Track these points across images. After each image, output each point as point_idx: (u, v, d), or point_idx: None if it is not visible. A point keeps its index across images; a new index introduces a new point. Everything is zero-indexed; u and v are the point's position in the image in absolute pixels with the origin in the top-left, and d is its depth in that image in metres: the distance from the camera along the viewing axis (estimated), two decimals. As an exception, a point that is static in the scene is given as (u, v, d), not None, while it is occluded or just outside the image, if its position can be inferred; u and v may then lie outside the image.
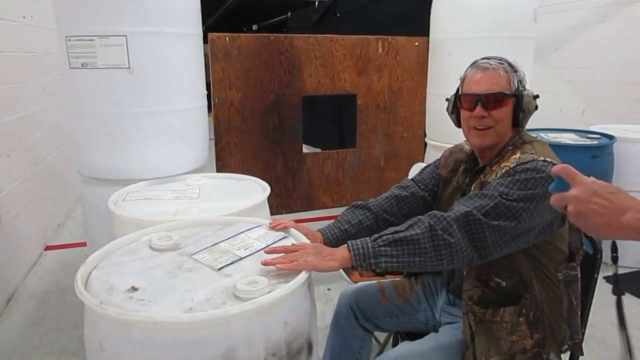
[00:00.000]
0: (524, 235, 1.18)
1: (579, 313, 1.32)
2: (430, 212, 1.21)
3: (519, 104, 1.31)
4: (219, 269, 1.15)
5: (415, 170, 2.37)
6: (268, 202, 1.85)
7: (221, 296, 1.02)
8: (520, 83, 1.32)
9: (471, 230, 1.16)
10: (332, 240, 1.43)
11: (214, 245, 1.29)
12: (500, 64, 1.33)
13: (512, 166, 1.22)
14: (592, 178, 0.81)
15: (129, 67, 1.92)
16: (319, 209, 2.95)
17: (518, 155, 1.26)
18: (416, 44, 2.95)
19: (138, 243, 1.34)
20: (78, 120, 2.09)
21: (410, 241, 1.15)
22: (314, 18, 6.31)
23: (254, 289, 1.01)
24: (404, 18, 4.09)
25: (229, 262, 1.18)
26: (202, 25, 2.29)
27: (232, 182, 2.07)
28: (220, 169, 2.58)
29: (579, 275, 1.30)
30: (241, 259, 1.21)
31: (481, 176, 1.33)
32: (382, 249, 1.16)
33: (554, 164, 1.17)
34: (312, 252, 1.16)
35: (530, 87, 1.36)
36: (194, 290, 1.05)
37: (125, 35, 1.89)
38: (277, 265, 1.10)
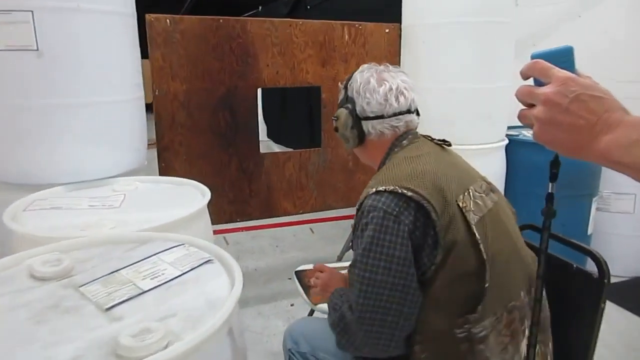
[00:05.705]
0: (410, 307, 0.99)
1: None
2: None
3: None
4: (107, 309, 0.84)
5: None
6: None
7: (95, 354, 0.72)
8: (347, 99, 1.24)
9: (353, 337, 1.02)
10: None
11: (113, 272, 0.99)
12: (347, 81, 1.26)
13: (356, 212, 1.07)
14: (569, 73, 0.55)
15: (37, 50, 1.59)
16: (279, 216, 2.64)
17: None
18: (387, 30, 2.67)
19: (16, 269, 1.02)
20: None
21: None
22: (284, 12, 6.10)
23: (142, 344, 0.71)
24: (376, 10, 3.85)
25: (123, 299, 0.88)
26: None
27: (169, 186, 1.77)
28: (163, 171, 2.24)
29: (489, 330, 0.99)
30: (143, 293, 0.90)
31: None
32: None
33: (392, 190, 0.98)
34: (320, 284, 1.27)
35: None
36: (59, 343, 0.74)
37: (32, 11, 1.56)
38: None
